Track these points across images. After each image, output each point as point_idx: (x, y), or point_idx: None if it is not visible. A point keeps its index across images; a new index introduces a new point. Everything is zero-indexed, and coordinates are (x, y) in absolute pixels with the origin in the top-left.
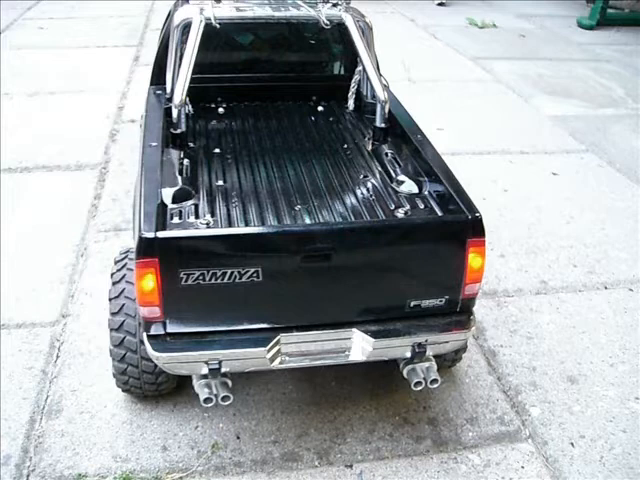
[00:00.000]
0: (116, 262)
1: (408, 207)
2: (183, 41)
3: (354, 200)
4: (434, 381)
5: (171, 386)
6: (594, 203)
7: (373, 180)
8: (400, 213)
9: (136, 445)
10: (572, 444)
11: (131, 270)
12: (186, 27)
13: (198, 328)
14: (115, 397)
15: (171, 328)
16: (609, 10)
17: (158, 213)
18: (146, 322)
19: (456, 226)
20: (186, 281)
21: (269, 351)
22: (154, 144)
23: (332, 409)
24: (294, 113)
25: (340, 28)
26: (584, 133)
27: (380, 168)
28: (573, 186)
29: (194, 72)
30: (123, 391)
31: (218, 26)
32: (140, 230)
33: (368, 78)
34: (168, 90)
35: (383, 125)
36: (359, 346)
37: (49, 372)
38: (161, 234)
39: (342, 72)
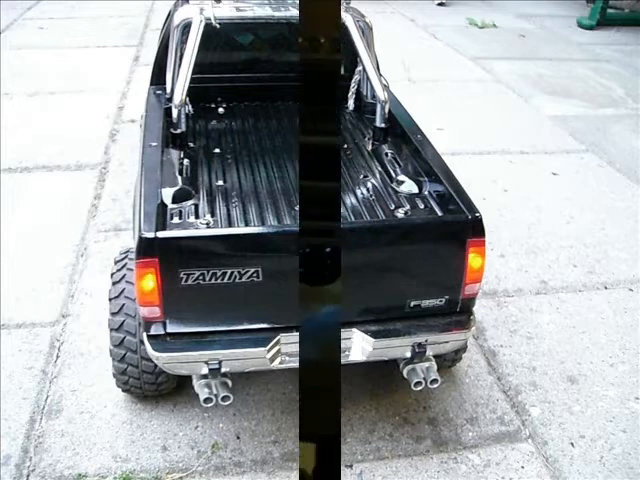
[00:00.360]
0: (116, 262)
1: (408, 207)
2: (183, 41)
3: (354, 200)
4: (434, 381)
5: (171, 386)
6: (594, 203)
7: (373, 180)
8: (400, 213)
9: (136, 445)
10: (572, 444)
11: (131, 270)
12: (186, 27)
13: (198, 328)
14: (115, 397)
15: (171, 328)
16: (609, 10)
17: (158, 213)
18: (146, 322)
19: (456, 226)
20: (186, 281)
21: (269, 351)
22: (154, 144)
23: None
24: (294, 113)
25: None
26: (584, 133)
27: (380, 168)
28: (573, 186)
29: (194, 72)
30: (123, 391)
31: (218, 26)
32: (140, 230)
33: (368, 78)
34: (168, 90)
35: (383, 125)
36: (359, 346)
37: (49, 372)
38: (161, 234)
39: (342, 72)
